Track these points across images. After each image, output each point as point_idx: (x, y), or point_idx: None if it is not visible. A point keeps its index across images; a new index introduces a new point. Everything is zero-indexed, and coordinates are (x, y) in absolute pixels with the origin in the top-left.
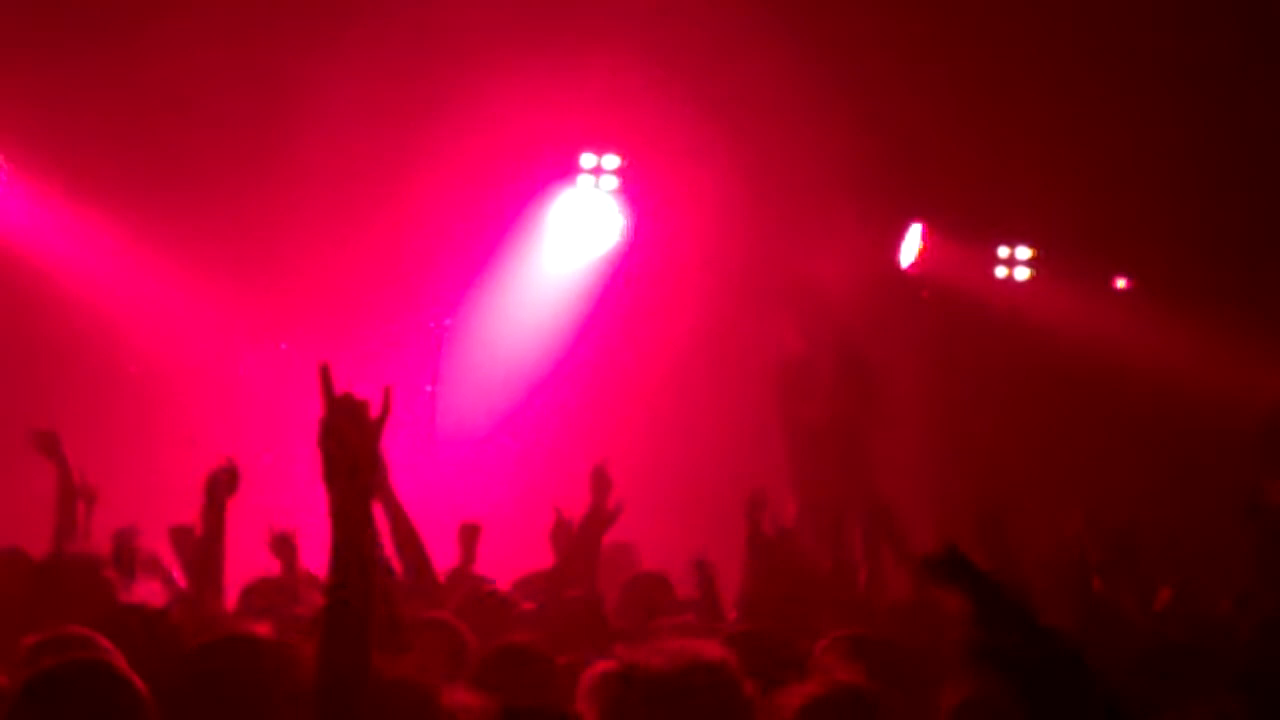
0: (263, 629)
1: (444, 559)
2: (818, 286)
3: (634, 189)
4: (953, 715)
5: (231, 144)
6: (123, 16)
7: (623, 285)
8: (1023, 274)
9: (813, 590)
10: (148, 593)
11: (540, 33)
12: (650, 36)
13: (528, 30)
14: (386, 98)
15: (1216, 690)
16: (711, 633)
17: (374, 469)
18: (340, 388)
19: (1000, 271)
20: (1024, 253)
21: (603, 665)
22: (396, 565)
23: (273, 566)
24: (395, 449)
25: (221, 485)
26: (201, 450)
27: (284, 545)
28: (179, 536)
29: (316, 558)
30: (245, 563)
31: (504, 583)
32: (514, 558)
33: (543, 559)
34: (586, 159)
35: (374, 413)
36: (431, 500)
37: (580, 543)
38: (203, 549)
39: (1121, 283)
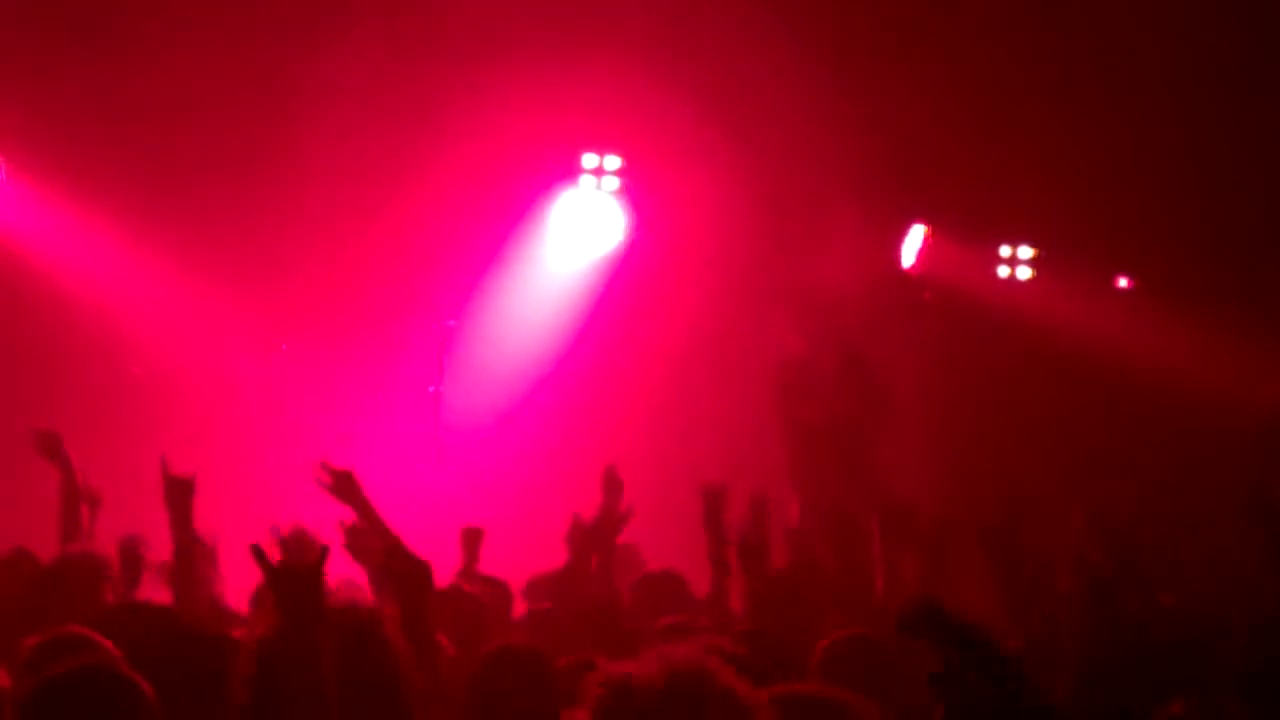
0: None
1: (449, 561)
2: (819, 287)
3: (636, 189)
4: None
5: (235, 145)
6: (125, 19)
7: (624, 285)
8: (1025, 274)
9: (815, 592)
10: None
11: (542, 34)
12: (652, 37)
13: (530, 31)
14: (389, 99)
15: (1216, 689)
16: (721, 632)
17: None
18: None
19: (1002, 271)
20: (1026, 252)
21: (593, 678)
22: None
23: None
24: (400, 449)
25: (179, 492)
26: (205, 452)
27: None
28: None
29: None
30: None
31: (510, 581)
32: (519, 557)
33: (548, 559)
34: (588, 159)
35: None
36: (435, 500)
37: (593, 544)
38: (179, 556)
39: (1123, 282)
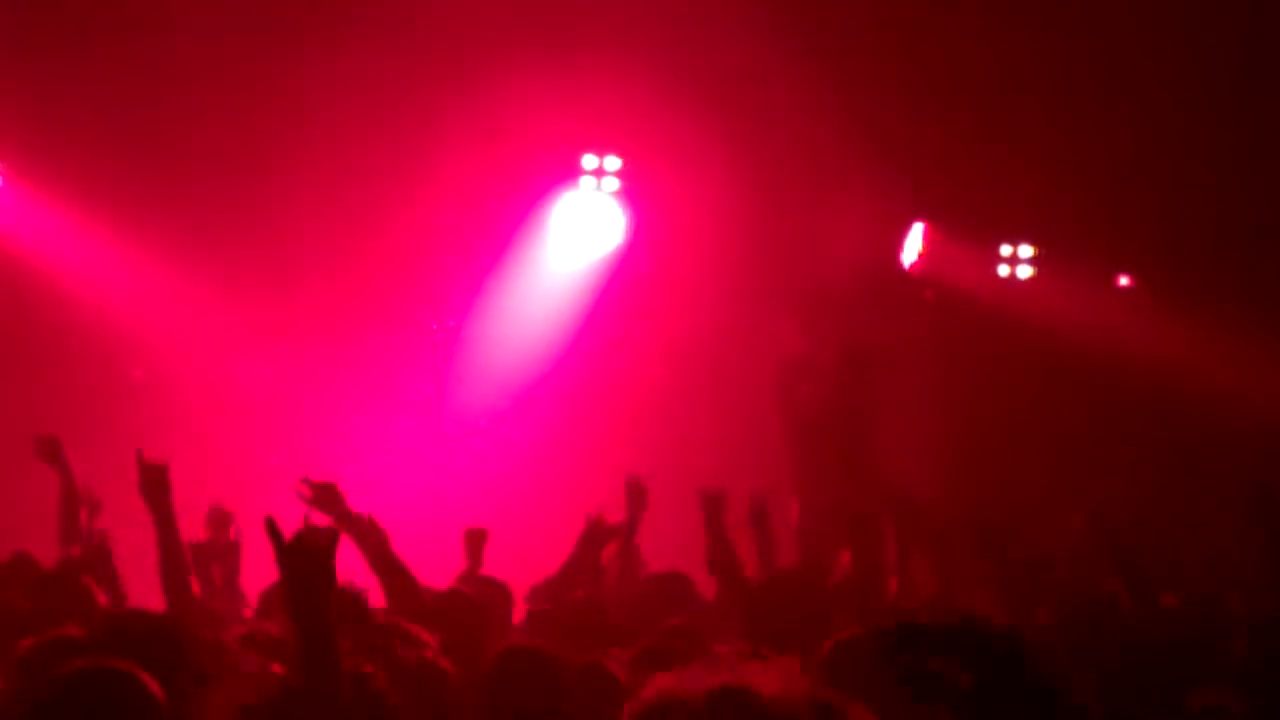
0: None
1: (451, 562)
2: (819, 286)
3: (635, 190)
4: None
5: (235, 148)
6: (126, 23)
7: (624, 286)
8: (1025, 272)
9: (821, 593)
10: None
11: (542, 36)
12: (652, 39)
13: (530, 33)
14: (390, 101)
15: (1217, 687)
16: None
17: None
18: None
19: (1003, 270)
20: (1026, 251)
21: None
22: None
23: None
24: (401, 451)
25: (155, 487)
26: (207, 454)
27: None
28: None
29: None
30: (248, 568)
31: (510, 582)
32: (520, 559)
33: (550, 559)
34: (588, 161)
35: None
36: (437, 502)
37: (602, 547)
38: (164, 554)
39: (1124, 280)
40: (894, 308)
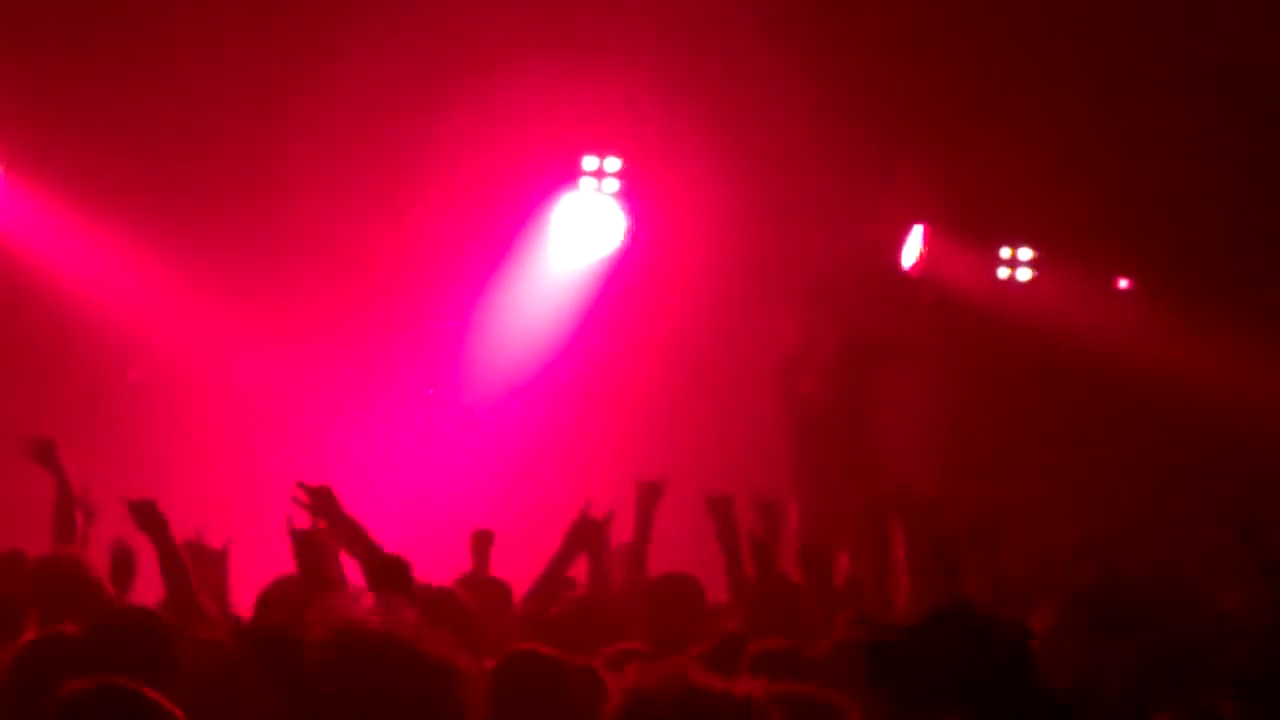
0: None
1: (453, 563)
2: (819, 287)
3: (635, 192)
4: None
5: (235, 149)
6: (128, 22)
7: (625, 287)
8: (1025, 275)
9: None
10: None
11: (542, 37)
12: (652, 40)
13: (530, 34)
14: (390, 102)
15: (1211, 693)
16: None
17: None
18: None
19: (1002, 272)
20: (1026, 254)
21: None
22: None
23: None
24: (401, 451)
25: (149, 520)
26: (203, 456)
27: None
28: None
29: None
30: (248, 568)
31: (511, 582)
32: (519, 559)
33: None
34: (588, 162)
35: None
36: (438, 502)
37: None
38: (166, 571)
39: (1124, 283)
40: (894, 309)
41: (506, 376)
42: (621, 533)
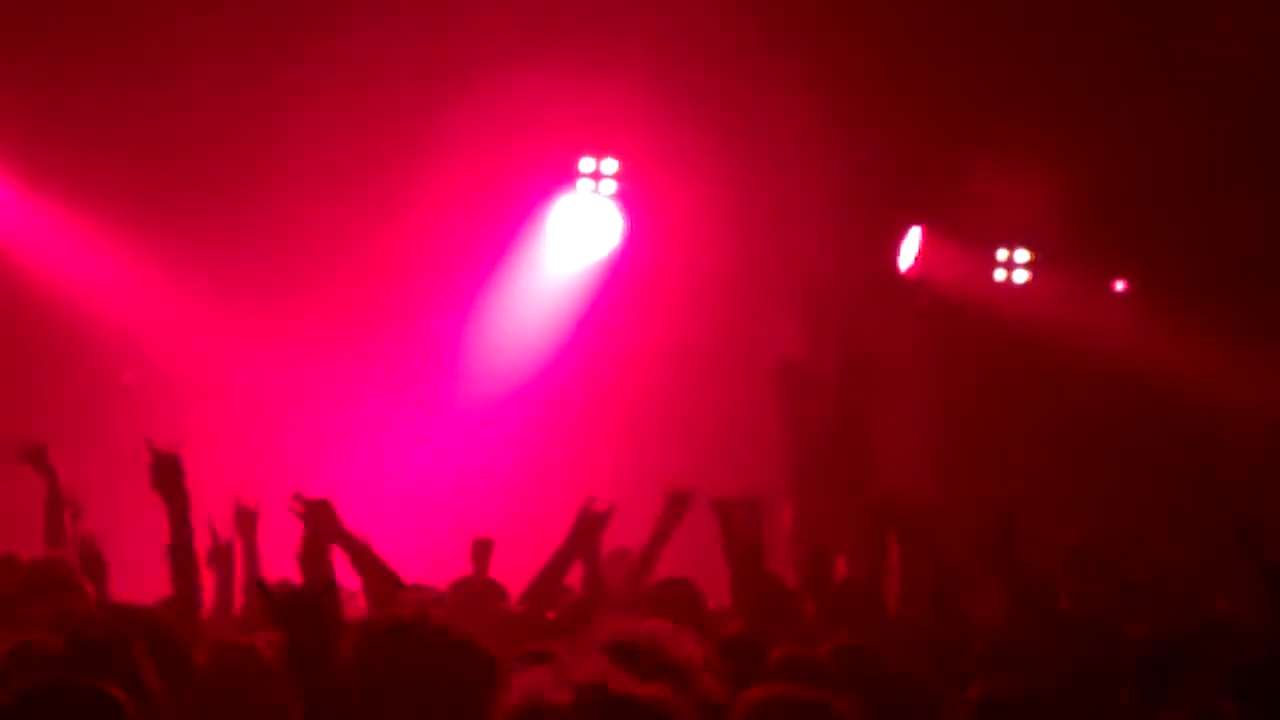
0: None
1: (451, 565)
2: (817, 291)
3: (633, 193)
4: None
5: (231, 150)
6: (121, 23)
7: (621, 289)
8: (1021, 277)
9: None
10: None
11: (540, 38)
12: (650, 42)
13: (528, 36)
14: (387, 103)
15: (1211, 694)
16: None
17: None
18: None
19: (999, 274)
20: (1023, 255)
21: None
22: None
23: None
24: (399, 453)
25: (168, 475)
26: (198, 458)
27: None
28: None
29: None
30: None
31: (509, 584)
32: (517, 561)
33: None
34: (585, 163)
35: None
36: (435, 504)
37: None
38: (175, 541)
39: (1120, 285)
40: (891, 312)
41: (503, 378)
42: (619, 535)
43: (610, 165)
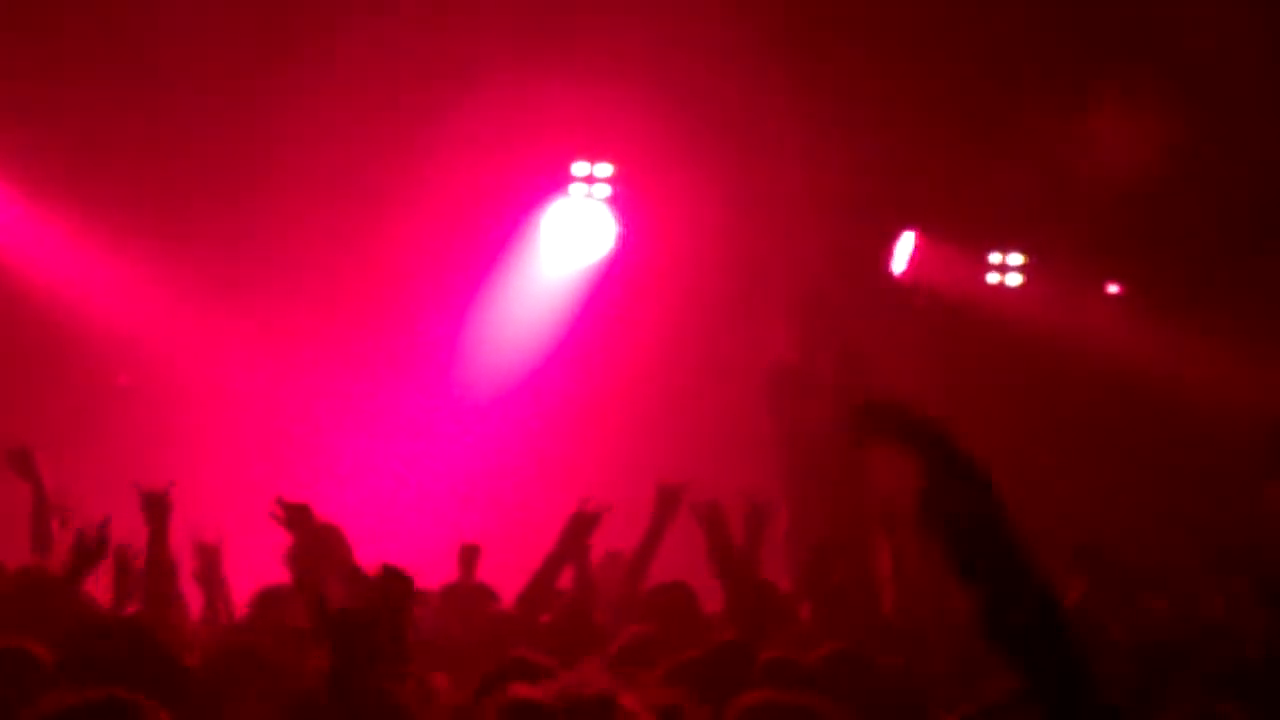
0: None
1: (447, 571)
2: (811, 294)
3: (627, 197)
4: None
5: (224, 157)
6: (112, 25)
7: (615, 293)
8: (1015, 280)
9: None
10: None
11: (535, 43)
12: (644, 46)
13: (523, 39)
14: (381, 108)
15: (1210, 694)
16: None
17: None
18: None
19: (992, 278)
20: (1016, 259)
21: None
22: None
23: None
24: (392, 458)
25: (156, 510)
26: (194, 461)
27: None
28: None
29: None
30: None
31: (504, 591)
32: (509, 565)
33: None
34: (579, 167)
35: None
36: (428, 507)
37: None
38: (151, 569)
39: (1113, 289)
40: (885, 315)
41: (498, 381)
42: (615, 539)
43: (604, 169)
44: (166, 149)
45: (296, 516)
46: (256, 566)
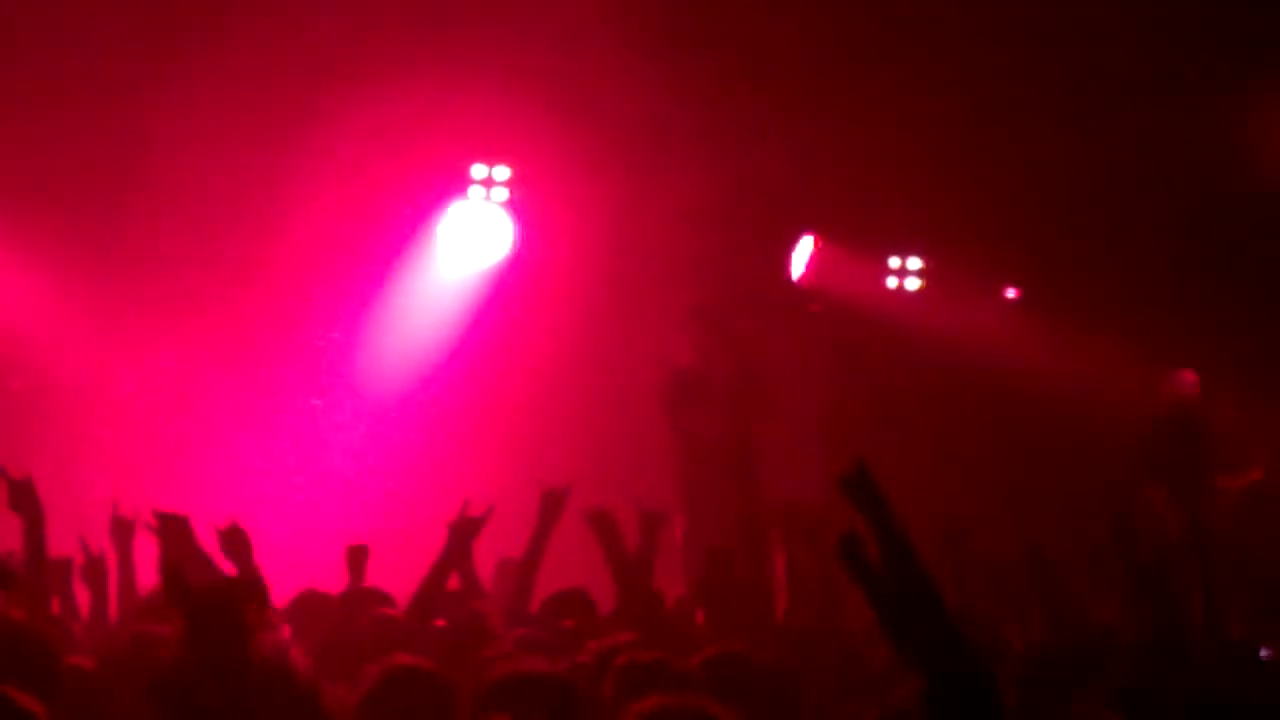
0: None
1: (339, 576)
2: (708, 299)
3: (525, 201)
4: None
5: (115, 157)
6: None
7: (512, 296)
8: (913, 284)
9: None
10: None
11: (432, 43)
12: (543, 50)
13: (419, 42)
14: (275, 109)
15: (1096, 706)
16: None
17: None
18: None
19: (891, 282)
20: (915, 263)
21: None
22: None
23: None
24: (284, 461)
25: (25, 500)
26: (87, 464)
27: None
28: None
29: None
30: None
31: (394, 592)
32: (403, 569)
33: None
34: (477, 170)
35: None
36: (320, 513)
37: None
38: (29, 567)
39: (1011, 293)
40: (782, 320)
41: (392, 384)
42: (500, 541)
43: (502, 172)
44: (55, 149)
45: (172, 528)
46: (142, 569)
